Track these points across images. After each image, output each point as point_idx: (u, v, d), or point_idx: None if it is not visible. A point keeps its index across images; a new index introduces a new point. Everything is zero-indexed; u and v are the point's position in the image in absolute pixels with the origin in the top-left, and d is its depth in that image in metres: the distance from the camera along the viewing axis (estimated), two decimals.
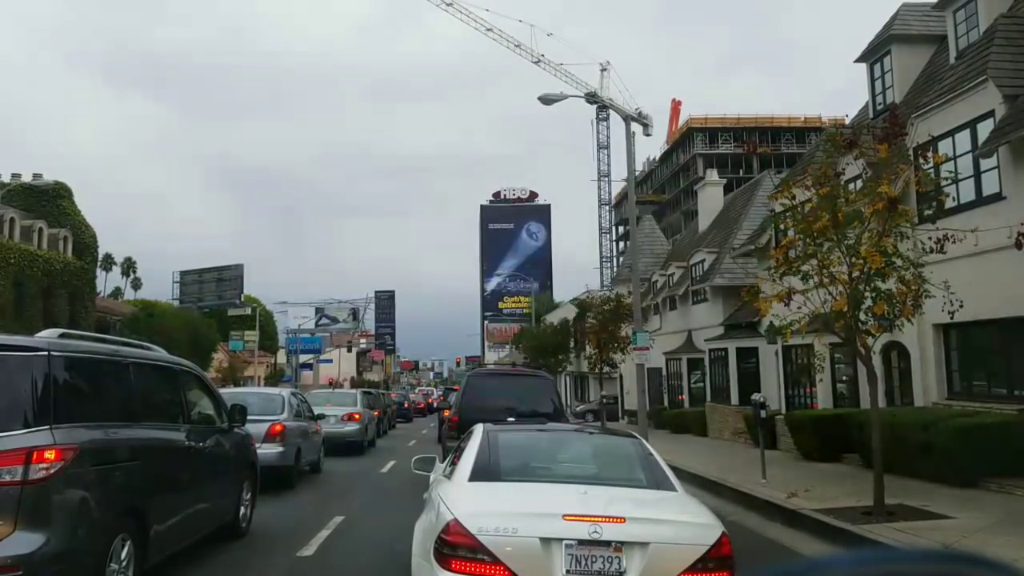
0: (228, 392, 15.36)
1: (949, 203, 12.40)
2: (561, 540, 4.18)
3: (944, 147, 13.02)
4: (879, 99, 18.33)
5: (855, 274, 9.42)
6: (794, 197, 9.96)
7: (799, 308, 10.18)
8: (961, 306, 10.01)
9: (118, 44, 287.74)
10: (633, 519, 4.35)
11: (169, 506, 6.03)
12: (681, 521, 4.58)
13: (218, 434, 7.58)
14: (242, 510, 8.15)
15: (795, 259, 10.23)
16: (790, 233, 11.18)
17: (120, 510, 5.21)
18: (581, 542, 4.18)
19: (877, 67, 18.43)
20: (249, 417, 11.84)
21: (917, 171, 11.40)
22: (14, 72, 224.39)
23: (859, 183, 11.55)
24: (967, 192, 12.79)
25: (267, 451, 11.64)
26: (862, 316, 9.60)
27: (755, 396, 13.27)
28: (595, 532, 4.18)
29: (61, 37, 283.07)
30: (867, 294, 9.51)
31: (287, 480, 12.25)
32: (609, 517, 4.27)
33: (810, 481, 12.49)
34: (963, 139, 13.02)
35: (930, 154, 10.98)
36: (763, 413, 12.82)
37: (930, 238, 9.81)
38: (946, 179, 11.08)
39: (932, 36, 17.65)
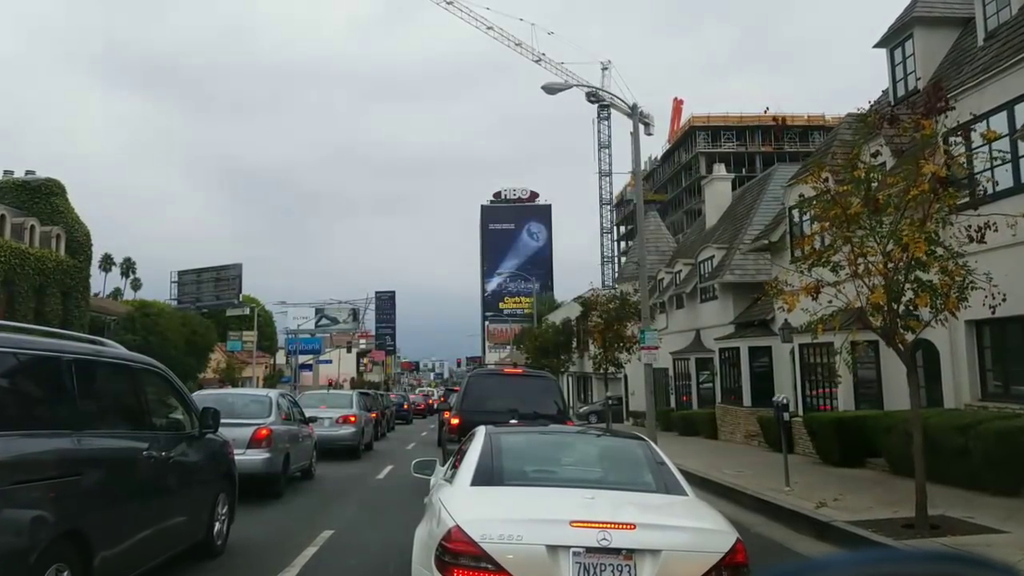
0: (211, 393, 14.53)
1: (979, 192, 11.57)
2: (568, 548, 3.96)
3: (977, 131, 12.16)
4: (900, 86, 17.50)
5: (897, 264, 8.57)
6: (826, 180, 9.09)
7: (830, 302, 9.34)
8: (1004, 300, 9.20)
9: (118, 44, 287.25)
10: (644, 525, 4.11)
11: (121, 527, 5.16)
12: (694, 527, 4.35)
13: (186, 441, 6.69)
14: (216, 526, 7.26)
15: (825, 249, 9.38)
16: (808, 226, 10.38)
17: (54, 535, 4.35)
18: (589, 550, 3.96)
19: (898, 52, 17.60)
20: (234, 420, 11.08)
21: (950, 157, 10.55)
22: (14, 72, 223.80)
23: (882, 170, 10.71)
24: (1004, 178, 11.91)
25: (252, 457, 10.82)
26: (902, 310, 8.76)
27: (778, 397, 12.42)
28: (604, 539, 3.96)
29: (60, 37, 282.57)
30: (907, 286, 8.68)
31: (274, 488, 11.39)
32: (618, 523, 4.07)
33: (836, 488, 11.66)
34: (999, 122, 12.14)
35: (969, 133, 10.10)
36: (786, 416, 11.95)
37: (969, 226, 8.97)
38: (996, 158, 10.21)
39: (956, 19, 16.84)
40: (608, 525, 4.03)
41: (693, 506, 4.79)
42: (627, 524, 4.08)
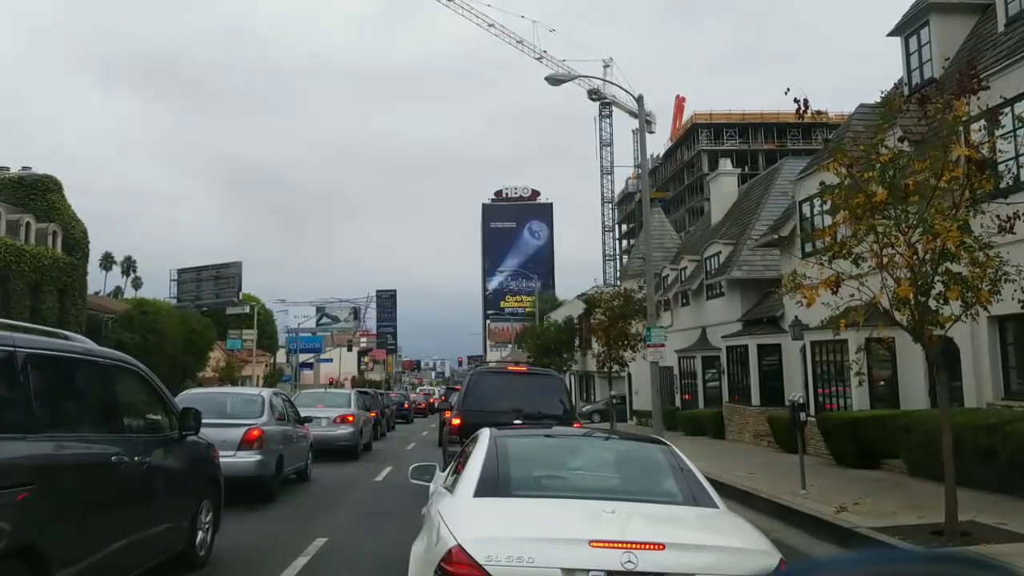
0: (200, 393, 13.99)
1: (1007, 181, 11.04)
2: (588, 572, 3.51)
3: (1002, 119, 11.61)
4: (915, 74, 16.97)
5: (925, 255, 8.05)
6: (851, 165, 8.54)
7: (851, 296, 8.82)
8: None
9: (118, 43, 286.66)
10: (674, 545, 3.64)
11: (85, 541, 4.65)
12: (731, 547, 3.86)
13: (164, 445, 6.16)
14: (200, 535, 6.75)
15: (848, 239, 8.84)
16: (822, 219, 9.80)
17: (3, 552, 3.85)
18: (611, 574, 3.49)
19: (913, 40, 17.07)
20: (225, 421, 10.60)
21: (977, 144, 10.02)
22: (14, 71, 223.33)
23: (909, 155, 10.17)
24: None
25: (243, 459, 10.33)
26: (932, 304, 8.25)
27: (794, 396, 11.91)
28: (629, 562, 3.49)
29: (61, 36, 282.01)
30: (937, 278, 8.16)
31: (266, 492, 10.88)
32: (645, 543, 3.59)
33: (855, 491, 11.14)
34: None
35: (998, 117, 9.56)
36: (802, 416, 11.44)
37: (998, 216, 8.45)
38: None
39: (974, 4, 16.32)
40: (633, 545, 3.55)
41: (727, 520, 4.30)
42: (655, 544, 3.59)
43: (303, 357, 68.58)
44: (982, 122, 9.49)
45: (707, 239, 29.32)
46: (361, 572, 7.01)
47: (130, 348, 33.32)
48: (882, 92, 9.89)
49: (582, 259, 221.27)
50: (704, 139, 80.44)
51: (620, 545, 3.56)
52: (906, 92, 16.69)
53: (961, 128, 10.23)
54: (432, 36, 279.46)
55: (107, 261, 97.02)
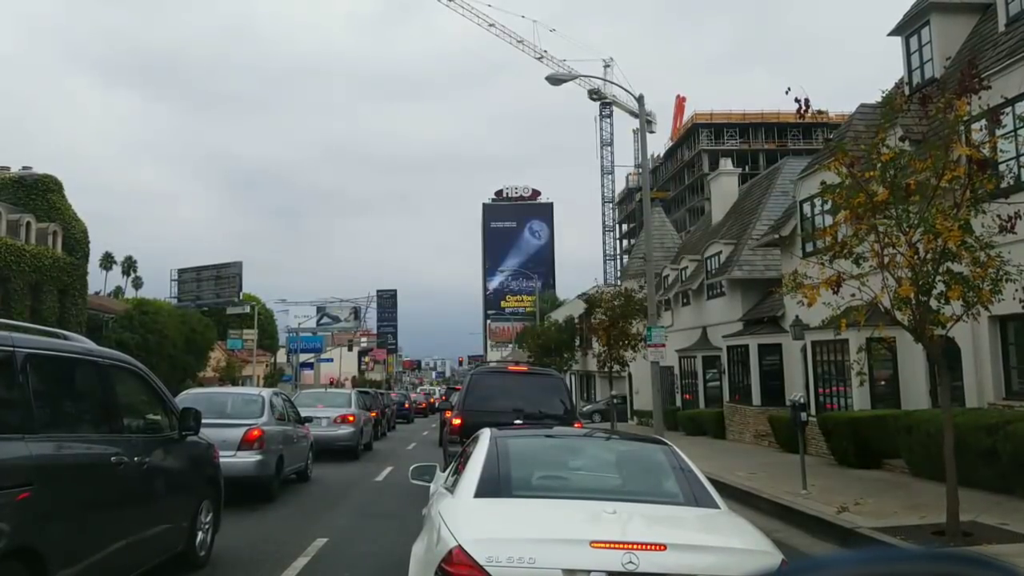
0: (200, 393, 13.96)
1: (1008, 180, 11.02)
2: (589, 573, 3.50)
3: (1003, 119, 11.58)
4: (916, 74, 16.93)
5: (926, 255, 8.03)
6: (852, 165, 8.52)
7: (852, 295, 8.81)
8: None
9: (118, 43, 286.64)
10: (675, 546, 3.64)
11: (84, 542, 4.63)
12: (732, 547, 3.84)
13: (164, 445, 6.14)
14: (200, 535, 6.73)
15: (850, 239, 8.82)
16: (822, 219, 9.79)
17: (2, 553, 3.83)
18: (612, 575, 3.47)
19: (914, 40, 17.03)
20: (224, 421, 10.60)
21: (979, 143, 10.00)
22: (14, 70, 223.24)
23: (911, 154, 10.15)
24: None
25: (243, 460, 10.32)
26: (932, 303, 8.23)
27: (795, 396, 11.88)
28: (630, 563, 3.48)
29: (61, 36, 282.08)
30: (938, 278, 8.15)
31: (266, 492, 10.86)
32: (647, 544, 3.57)
33: (856, 491, 11.13)
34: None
35: (999, 117, 9.54)
36: (804, 416, 11.41)
37: (998, 216, 8.43)
38: None
39: (975, 4, 16.30)
40: (635, 546, 3.53)
41: (728, 521, 4.27)
42: (656, 544, 3.58)
43: (303, 357, 68.57)
44: (983, 121, 9.47)
45: (708, 239, 29.30)
46: (361, 573, 6.99)
47: (130, 348, 33.33)
48: (883, 92, 9.82)
49: (582, 259, 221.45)
50: (705, 139, 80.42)
51: (621, 546, 3.55)
52: (907, 92, 16.66)
53: (962, 127, 10.22)
54: (432, 36, 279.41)
55: (107, 261, 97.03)
